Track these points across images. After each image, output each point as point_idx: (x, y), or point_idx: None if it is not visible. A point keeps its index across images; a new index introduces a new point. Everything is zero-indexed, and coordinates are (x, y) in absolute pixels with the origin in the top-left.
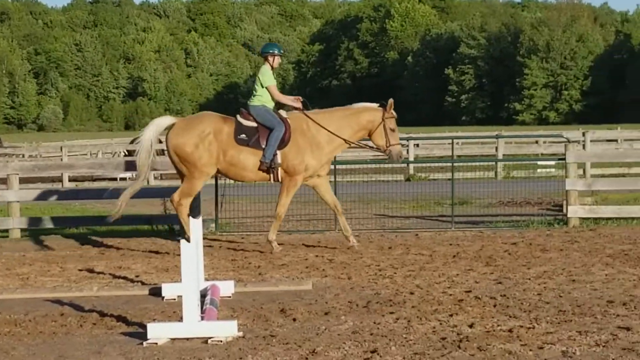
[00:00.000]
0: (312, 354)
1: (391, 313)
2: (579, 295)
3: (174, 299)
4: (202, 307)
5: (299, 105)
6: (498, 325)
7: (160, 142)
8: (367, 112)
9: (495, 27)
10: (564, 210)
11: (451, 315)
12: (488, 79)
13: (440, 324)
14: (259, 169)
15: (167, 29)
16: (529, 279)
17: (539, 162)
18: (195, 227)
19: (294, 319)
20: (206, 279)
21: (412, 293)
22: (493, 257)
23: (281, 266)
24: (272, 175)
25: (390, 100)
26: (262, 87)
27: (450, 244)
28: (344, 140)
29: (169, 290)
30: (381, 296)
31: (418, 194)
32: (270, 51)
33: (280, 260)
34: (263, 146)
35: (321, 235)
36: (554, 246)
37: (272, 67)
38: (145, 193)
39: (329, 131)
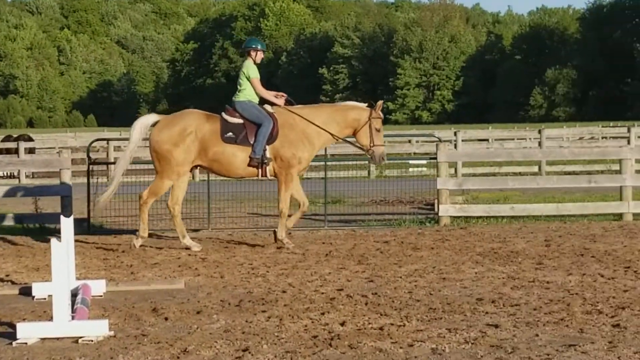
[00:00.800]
0: (184, 353)
1: (263, 312)
2: (449, 293)
3: (45, 299)
4: (72, 307)
5: (281, 102)
6: (369, 323)
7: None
8: (354, 110)
9: (369, 27)
10: (435, 209)
11: (323, 314)
12: (362, 78)
13: (312, 322)
14: (249, 164)
15: (39, 26)
16: (400, 277)
17: (411, 162)
18: (66, 226)
19: (166, 318)
20: (77, 278)
21: (284, 291)
22: (365, 256)
23: (153, 265)
24: (260, 170)
25: (379, 102)
26: (247, 81)
27: (323, 243)
28: (332, 135)
29: (39, 290)
30: (253, 295)
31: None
32: (253, 46)
33: (152, 259)
34: (251, 142)
35: (194, 234)
36: (425, 245)
37: (255, 62)
38: (16, 191)
39: (317, 126)
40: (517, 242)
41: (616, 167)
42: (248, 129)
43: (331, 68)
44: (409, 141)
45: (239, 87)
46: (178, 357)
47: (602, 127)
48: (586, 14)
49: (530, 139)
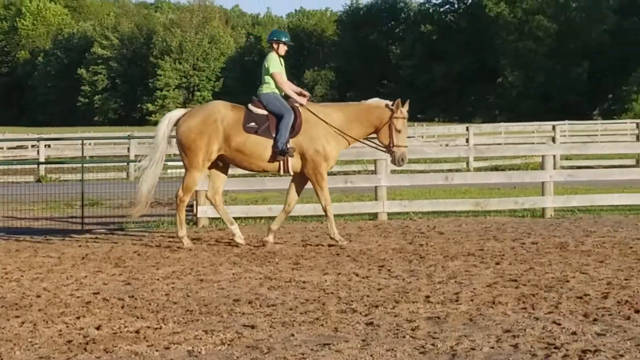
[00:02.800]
0: None
1: (17, 317)
2: (206, 294)
3: None
4: None
5: (304, 101)
6: (125, 327)
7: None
8: (377, 109)
9: (128, 27)
10: (194, 211)
11: (78, 318)
12: (121, 79)
13: (67, 326)
14: (271, 157)
15: None
16: (158, 280)
17: (170, 163)
18: None
19: None
20: None
21: (39, 296)
22: (122, 258)
23: None
24: (282, 165)
25: (399, 101)
26: (269, 74)
27: (80, 246)
28: (352, 137)
29: None
30: (7, 300)
31: (48, 195)
32: (276, 38)
33: None
34: (274, 135)
35: None
36: (183, 246)
37: (279, 55)
38: None
39: (334, 128)
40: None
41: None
42: (271, 121)
43: (90, 69)
44: (169, 143)
45: (262, 80)
46: None
47: None
48: (343, 16)
49: None
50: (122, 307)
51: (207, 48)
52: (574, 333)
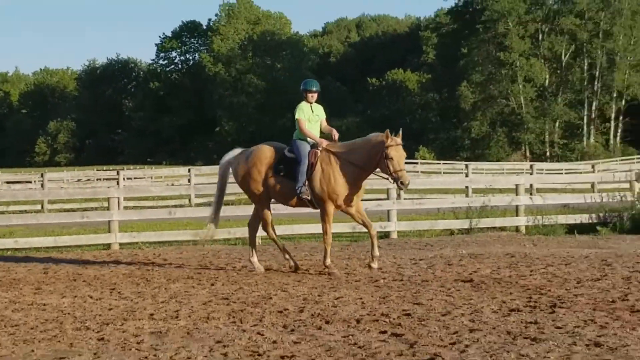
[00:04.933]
0: None
1: None
2: None
3: None
4: None
5: (324, 143)
6: None
7: None
8: (374, 141)
9: None
10: None
11: None
12: None
13: None
14: (294, 198)
15: None
16: None
17: None
18: None
19: None
20: None
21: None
22: None
23: None
24: (309, 203)
25: (388, 131)
26: (295, 120)
27: None
28: (365, 169)
29: None
30: None
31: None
32: (307, 88)
33: None
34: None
35: None
36: None
37: (309, 102)
38: None
39: (350, 162)
40: (18, 271)
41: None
42: (295, 165)
43: None
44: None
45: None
46: None
47: (97, 170)
48: (82, 74)
49: (35, 181)
50: None
51: None
52: (274, 342)
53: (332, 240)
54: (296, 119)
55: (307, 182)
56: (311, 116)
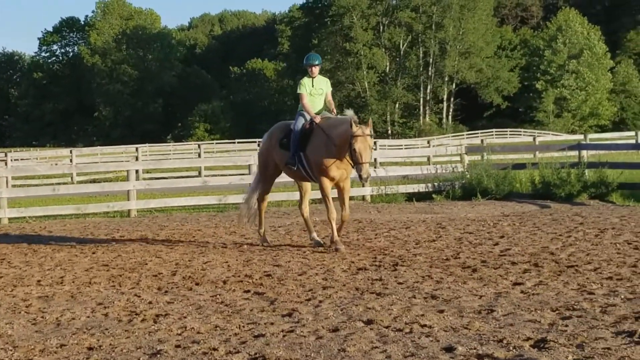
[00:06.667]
0: None
1: None
2: None
3: None
4: None
5: (318, 119)
6: None
7: None
8: (347, 128)
9: None
10: None
11: None
12: None
13: None
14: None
15: None
16: None
17: None
18: None
19: None
20: None
21: None
22: None
23: None
24: (307, 176)
25: (355, 118)
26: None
27: None
28: (341, 150)
29: None
30: None
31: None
32: (310, 63)
33: None
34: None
35: None
36: None
37: (311, 77)
38: None
39: (331, 137)
40: None
41: None
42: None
43: None
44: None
45: None
46: None
47: None
48: None
49: None
50: None
51: None
52: (150, 302)
53: (335, 215)
54: (298, 93)
55: (301, 154)
56: (312, 90)
